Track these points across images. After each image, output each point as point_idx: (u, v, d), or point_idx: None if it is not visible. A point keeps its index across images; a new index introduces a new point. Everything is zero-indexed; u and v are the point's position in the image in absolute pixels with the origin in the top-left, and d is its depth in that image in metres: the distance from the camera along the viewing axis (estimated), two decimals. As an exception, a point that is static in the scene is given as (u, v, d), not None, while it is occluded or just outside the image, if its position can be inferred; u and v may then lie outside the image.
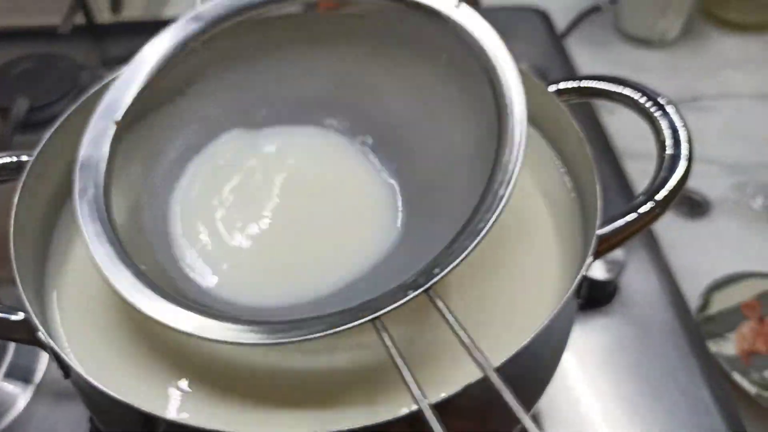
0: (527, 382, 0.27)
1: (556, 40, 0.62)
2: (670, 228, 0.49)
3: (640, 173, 0.52)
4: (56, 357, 0.25)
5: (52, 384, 0.40)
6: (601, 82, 0.33)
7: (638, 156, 0.55)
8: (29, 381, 0.40)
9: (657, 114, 0.30)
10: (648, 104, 0.31)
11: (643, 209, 0.28)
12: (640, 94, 0.31)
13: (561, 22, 0.66)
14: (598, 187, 0.28)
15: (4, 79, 0.56)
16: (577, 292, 0.29)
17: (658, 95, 0.31)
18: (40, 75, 0.56)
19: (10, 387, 0.40)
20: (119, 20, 0.66)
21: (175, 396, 0.26)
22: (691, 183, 0.29)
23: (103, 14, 0.66)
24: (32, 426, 0.38)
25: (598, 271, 0.41)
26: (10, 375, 0.41)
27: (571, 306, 0.29)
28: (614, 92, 0.32)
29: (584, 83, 0.33)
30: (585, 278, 0.28)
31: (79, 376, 0.24)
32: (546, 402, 0.38)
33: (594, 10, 0.68)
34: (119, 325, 0.28)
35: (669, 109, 0.30)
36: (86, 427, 0.37)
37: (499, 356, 0.23)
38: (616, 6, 0.67)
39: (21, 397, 0.40)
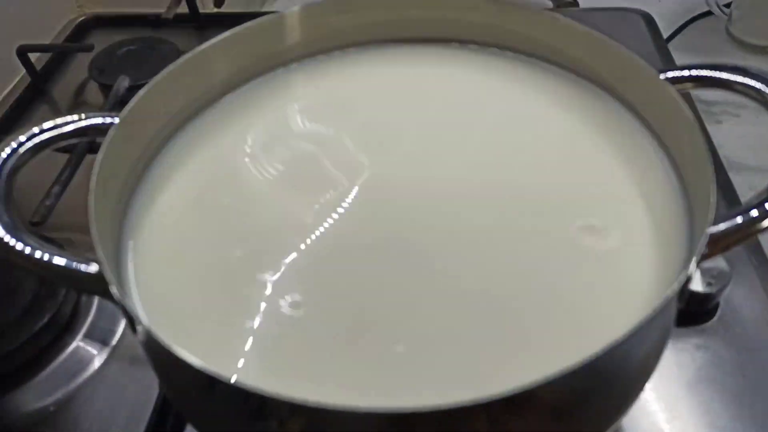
0: (617, 386, 0.25)
1: (661, 43, 0.58)
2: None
3: (745, 188, 0.48)
4: (124, 310, 0.25)
5: (127, 348, 0.41)
6: (721, 71, 0.30)
7: (745, 169, 0.51)
8: (107, 343, 0.41)
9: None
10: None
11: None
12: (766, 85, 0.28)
13: (667, 27, 0.63)
14: (711, 177, 0.25)
15: (108, 59, 0.58)
16: (680, 296, 0.26)
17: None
18: (143, 57, 0.58)
19: (88, 347, 0.41)
20: (221, 12, 0.68)
21: (247, 359, 0.25)
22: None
23: (206, 7, 0.68)
24: (104, 386, 0.39)
25: (698, 283, 0.37)
26: (89, 336, 0.42)
27: (671, 310, 0.26)
28: (736, 82, 0.29)
29: (701, 72, 0.30)
30: (689, 282, 0.26)
31: (144, 330, 0.24)
32: (625, 425, 0.35)
33: (704, 15, 0.64)
34: (197, 280, 0.28)
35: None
36: (156, 392, 0.38)
37: (581, 353, 0.20)
38: (730, 11, 0.62)
39: (97, 358, 0.41)
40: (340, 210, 0.30)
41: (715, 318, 0.38)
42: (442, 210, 0.30)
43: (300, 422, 0.22)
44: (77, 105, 0.59)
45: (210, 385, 0.23)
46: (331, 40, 0.37)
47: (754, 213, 0.26)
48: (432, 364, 0.25)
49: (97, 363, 0.40)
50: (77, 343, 0.42)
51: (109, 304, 0.45)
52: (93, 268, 0.26)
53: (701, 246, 0.24)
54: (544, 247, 0.28)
